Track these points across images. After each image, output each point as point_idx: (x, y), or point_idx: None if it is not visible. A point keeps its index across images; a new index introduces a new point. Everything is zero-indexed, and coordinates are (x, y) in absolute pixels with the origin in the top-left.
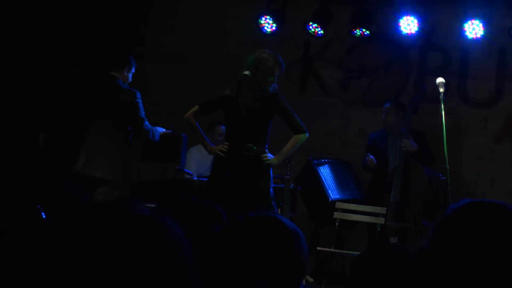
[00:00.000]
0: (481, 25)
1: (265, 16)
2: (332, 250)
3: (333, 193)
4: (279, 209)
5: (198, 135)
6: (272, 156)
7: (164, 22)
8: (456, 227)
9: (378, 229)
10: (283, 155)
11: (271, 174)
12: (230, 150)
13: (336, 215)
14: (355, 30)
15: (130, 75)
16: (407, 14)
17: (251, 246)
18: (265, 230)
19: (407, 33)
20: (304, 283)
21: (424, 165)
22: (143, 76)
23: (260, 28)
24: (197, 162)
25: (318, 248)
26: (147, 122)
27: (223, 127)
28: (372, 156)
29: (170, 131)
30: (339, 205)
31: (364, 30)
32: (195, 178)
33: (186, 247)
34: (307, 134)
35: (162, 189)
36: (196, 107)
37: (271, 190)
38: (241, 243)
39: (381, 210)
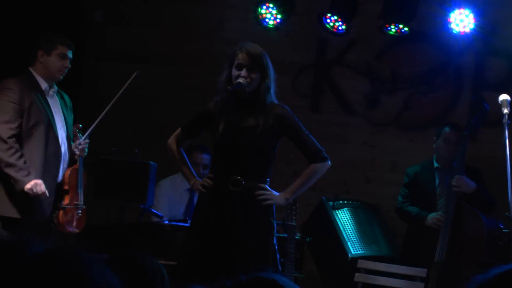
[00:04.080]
0: None
1: (267, 5)
2: None
3: (354, 248)
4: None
5: (181, 166)
6: (276, 193)
7: (129, 8)
8: None
9: None
10: (293, 193)
11: (273, 219)
12: (215, 184)
13: (358, 277)
14: (389, 27)
15: (53, 59)
16: (460, 6)
17: None
18: None
19: (459, 32)
20: None
21: (482, 212)
22: (97, 80)
23: (260, 20)
24: (170, 200)
25: None
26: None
27: (204, 156)
28: (438, 214)
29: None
30: (361, 264)
31: (401, 26)
32: (166, 221)
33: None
34: (329, 162)
35: (119, 237)
36: (178, 130)
37: (275, 241)
38: None
39: (421, 272)
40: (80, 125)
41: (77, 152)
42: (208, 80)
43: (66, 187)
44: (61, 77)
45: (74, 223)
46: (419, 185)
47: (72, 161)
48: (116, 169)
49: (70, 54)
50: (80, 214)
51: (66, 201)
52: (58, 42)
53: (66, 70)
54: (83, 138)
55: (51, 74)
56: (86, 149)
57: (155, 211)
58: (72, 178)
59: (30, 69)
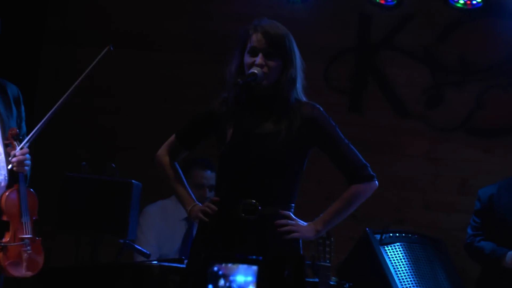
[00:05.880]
0: None
1: None
2: None
3: None
4: None
5: (175, 186)
6: (304, 223)
7: None
8: None
9: None
10: (327, 223)
11: (303, 259)
12: (220, 211)
13: None
14: None
15: None
16: None
17: None
18: None
19: None
20: None
21: None
22: (59, 70)
23: None
24: (159, 232)
25: None
26: None
27: (208, 173)
28: None
29: None
30: None
31: None
32: (155, 262)
33: None
34: (376, 183)
35: (90, 282)
36: (172, 138)
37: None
38: None
39: None
40: (18, 130)
41: (13, 167)
42: (210, 70)
43: (4, 218)
44: None
45: (24, 264)
46: (496, 213)
47: (13, 179)
48: (86, 190)
49: None
50: (30, 251)
51: (6, 237)
52: None
53: None
54: (19, 146)
55: None
56: (28, 162)
57: (139, 248)
58: (10, 203)
59: None
